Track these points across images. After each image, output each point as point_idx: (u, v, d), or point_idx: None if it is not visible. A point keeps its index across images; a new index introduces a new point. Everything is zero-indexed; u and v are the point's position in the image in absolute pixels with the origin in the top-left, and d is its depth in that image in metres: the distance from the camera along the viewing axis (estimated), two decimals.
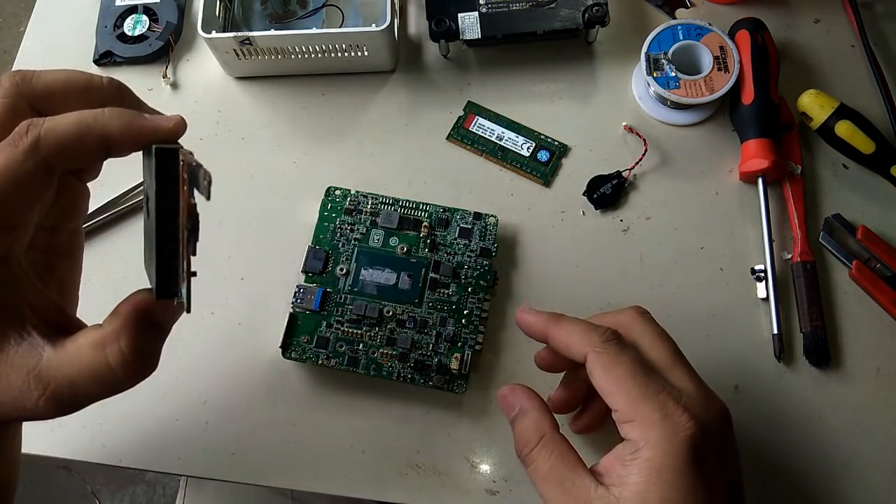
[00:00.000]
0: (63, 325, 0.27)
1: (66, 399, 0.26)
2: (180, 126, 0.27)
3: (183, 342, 0.43)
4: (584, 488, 0.29)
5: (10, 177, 0.24)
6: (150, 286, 0.28)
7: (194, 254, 0.27)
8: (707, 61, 0.46)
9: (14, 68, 0.52)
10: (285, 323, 0.41)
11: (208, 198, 0.27)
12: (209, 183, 0.27)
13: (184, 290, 0.26)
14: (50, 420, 0.41)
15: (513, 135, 0.47)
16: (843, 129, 0.44)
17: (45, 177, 0.26)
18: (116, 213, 0.46)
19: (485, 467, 0.40)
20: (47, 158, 0.25)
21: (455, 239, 0.43)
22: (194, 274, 0.27)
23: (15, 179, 0.25)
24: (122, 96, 0.29)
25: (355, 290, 0.42)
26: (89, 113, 0.26)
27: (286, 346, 0.41)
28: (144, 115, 0.27)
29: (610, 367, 0.30)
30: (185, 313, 0.27)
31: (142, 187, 0.45)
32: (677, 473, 0.27)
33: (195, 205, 0.26)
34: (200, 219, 0.26)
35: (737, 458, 0.31)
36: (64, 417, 0.42)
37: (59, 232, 0.30)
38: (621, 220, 0.45)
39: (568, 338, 0.32)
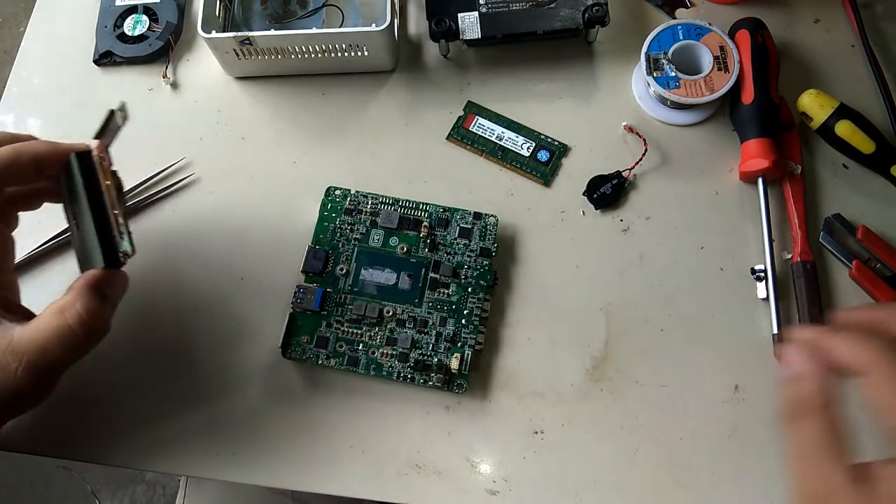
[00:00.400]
0: (27, 314, 0.34)
1: (40, 365, 0.31)
2: (83, 146, 0.35)
3: (183, 342, 0.43)
4: (836, 479, 0.26)
5: None
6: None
7: (125, 205, 0.35)
8: (707, 61, 0.46)
9: (14, 68, 0.52)
10: (285, 323, 0.41)
11: (125, 120, 0.37)
12: (125, 115, 0.37)
13: (126, 244, 0.33)
14: (49, 419, 0.41)
15: (513, 135, 0.47)
16: (843, 129, 0.44)
17: None
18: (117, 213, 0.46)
19: (485, 467, 0.40)
20: None
21: (455, 239, 0.43)
22: (130, 233, 0.33)
23: None
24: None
25: (355, 290, 0.42)
26: (21, 143, 0.34)
27: (286, 346, 0.41)
28: (57, 142, 0.35)
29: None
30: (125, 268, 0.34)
31: (145, 192, 0.46)
32: None
33: (115, 171, 0.36)
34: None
35: None
36: (64, 417, 0.42)
37: (3, 271, 0.37)
38: (621, 220, 0.45)
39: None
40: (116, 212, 0.33)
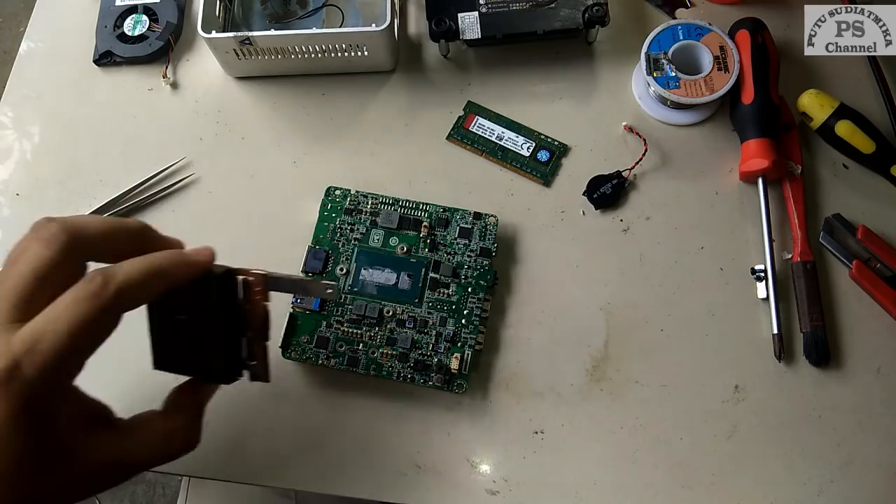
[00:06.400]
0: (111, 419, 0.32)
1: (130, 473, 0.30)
2: (212, 255, 0.31)
3: None
4: None
5: (95, 329, 0.26)
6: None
7: (267, 339, 0.33)
8: (707, 61, 0.46)
9: (14, 68, 0.52)
10: (285, 323, 0.41)
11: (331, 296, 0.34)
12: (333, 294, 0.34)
13: (260, 369, 0.33)
14: None
15: (513, 135, 0.47)
16: (843, 128, 0.44)
17: (118, 320, 0.28)
18: (117, 213, 0.46)
19: (485, 467, 0.40)
20: (124, 306, 0.28)
21: (455, 239, 0.43)
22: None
23: (101, 330, 0.27)
24: (148, 234, 0.31)
25: (355, 290, 0.42)
26: (154, 263, 0.28)
27: (286, 346, 0.41)
28: (186, 252, 0.31)
29: None
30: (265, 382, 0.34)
31: (145, 192, 0.45)
32: None
33: (265, 306, 0.32)
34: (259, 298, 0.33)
35: None
36: None
37: None
38: (621, 220, 0.45)
39: None
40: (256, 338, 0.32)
